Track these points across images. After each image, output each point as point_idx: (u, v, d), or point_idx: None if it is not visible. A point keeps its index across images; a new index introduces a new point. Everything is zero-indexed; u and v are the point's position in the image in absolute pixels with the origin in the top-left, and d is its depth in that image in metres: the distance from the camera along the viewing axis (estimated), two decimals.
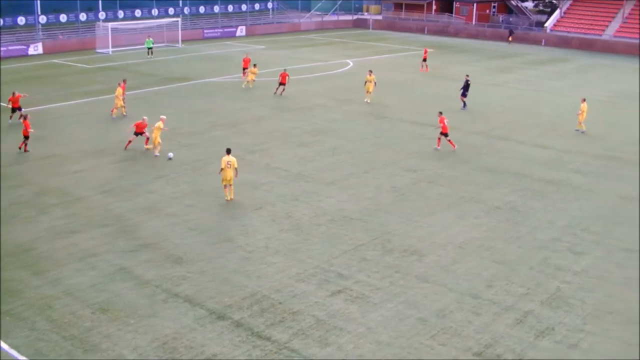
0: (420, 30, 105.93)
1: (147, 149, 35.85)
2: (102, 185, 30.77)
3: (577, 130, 42.84)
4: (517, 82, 62.63)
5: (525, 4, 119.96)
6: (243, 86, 54.68)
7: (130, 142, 36.27)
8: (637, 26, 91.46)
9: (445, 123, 37.58)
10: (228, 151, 28.56)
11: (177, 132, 39.47)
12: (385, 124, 43.71)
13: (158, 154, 34.96)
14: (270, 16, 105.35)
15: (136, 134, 36.05)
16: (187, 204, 28.65)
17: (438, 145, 38.07)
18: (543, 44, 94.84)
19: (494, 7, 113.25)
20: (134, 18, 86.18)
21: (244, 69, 57.74)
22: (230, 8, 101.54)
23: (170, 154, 34.90)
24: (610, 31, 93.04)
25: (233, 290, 21.30)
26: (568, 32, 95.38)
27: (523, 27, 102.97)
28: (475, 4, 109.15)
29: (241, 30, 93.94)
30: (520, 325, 19.88)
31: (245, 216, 27.55)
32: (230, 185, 28.65)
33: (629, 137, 42.59)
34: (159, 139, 35.11)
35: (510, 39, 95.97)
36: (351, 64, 69.93)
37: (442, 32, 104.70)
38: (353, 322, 19.69)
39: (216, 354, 17.92)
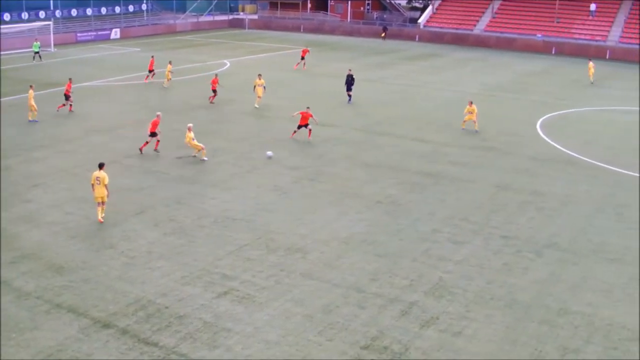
0: (297, 29, 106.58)
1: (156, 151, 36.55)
2: None
3: (464, 129, 43.25)
4: (393, 78, 63.89)
5: (398, 1, 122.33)
6: (165, 85, 55.18)
7: (146, 143, 36.42)
8: (506, 21, 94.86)
9: (307, 116, 39.38)
10: (100, 166, 26.77)
11: (54, 138, 38.49)
12: (266, 123, 43.78)
13: (206, 158, 35.44)
14: (145, 18, 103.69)
15: (151, 134, 36.17)
16: (66, 212, 27.87)
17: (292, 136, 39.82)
18: (417, 39, 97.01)
19: (368, 4, 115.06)
20: (2, 22, 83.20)
21: (149, 71, 57.02)
22: (103, 10, 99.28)
23: (270, 153, 35.42)
24: (481, 26, 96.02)
25: (117, 297, 20.87)
26: (441, 27, 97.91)
27: (397, 24, 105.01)
28: (349, 2, 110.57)
29: (115, 33, 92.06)
30: (405, 316, 20.26)
31: (126, 221, 27.01)
32: (102, 203, 26.70)
33: (503, 128, 44.09)
34: (196, 144, 35.27)
35: (383, 35, 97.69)
36: (229, 64, 69.68)
37: (318, 30, 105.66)
38: (240, 322, 19.62)
39: None
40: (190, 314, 19.99)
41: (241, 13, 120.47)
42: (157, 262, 23.38)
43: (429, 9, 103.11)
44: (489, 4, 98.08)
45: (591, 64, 64.39)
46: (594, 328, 19.93)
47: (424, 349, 18.59)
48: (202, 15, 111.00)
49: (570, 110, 51.37)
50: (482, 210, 29.36)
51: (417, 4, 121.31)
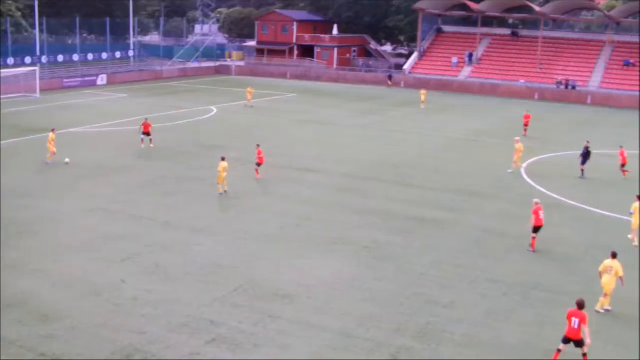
0: (283, 75, 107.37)
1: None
2: None
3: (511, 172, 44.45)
4: (379, 123, 64.21)
5: (384, 48, 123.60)
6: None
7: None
8: (489, 67, 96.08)
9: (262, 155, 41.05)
10: None
11: (41, 184, 38.32)
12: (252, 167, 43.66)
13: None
14: (132, 64, 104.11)
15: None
16: (51, 259, 27.58)
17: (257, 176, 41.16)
18: (402, 85, 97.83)
19: (354, 51, 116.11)
20: None
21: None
22: (90, 56, 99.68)
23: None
24: (465, 73, 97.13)
25: (102, 346, 20.54)
26: (426, 74, 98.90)
27: (382, 70, 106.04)
28: (335, 49, 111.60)
29: (102, 79, 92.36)
30: None
31: (111, 268, 26.76)
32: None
33: (487, 172, 44.28)
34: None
35: (390, 82, 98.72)
36: (215, 110, 69.85)
37: (304, 76, 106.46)
38: None
39: None
40: None
41: (228, 60, 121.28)
42: (142, 309, 23.14)
43: (414, 55, 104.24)
44: (474, 47, 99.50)
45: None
46: None
47: None
48: (188, 61, 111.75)
49: (555, 154, 51.75)
50: (468, 254, 29.38)
51: (402, 51, 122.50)
